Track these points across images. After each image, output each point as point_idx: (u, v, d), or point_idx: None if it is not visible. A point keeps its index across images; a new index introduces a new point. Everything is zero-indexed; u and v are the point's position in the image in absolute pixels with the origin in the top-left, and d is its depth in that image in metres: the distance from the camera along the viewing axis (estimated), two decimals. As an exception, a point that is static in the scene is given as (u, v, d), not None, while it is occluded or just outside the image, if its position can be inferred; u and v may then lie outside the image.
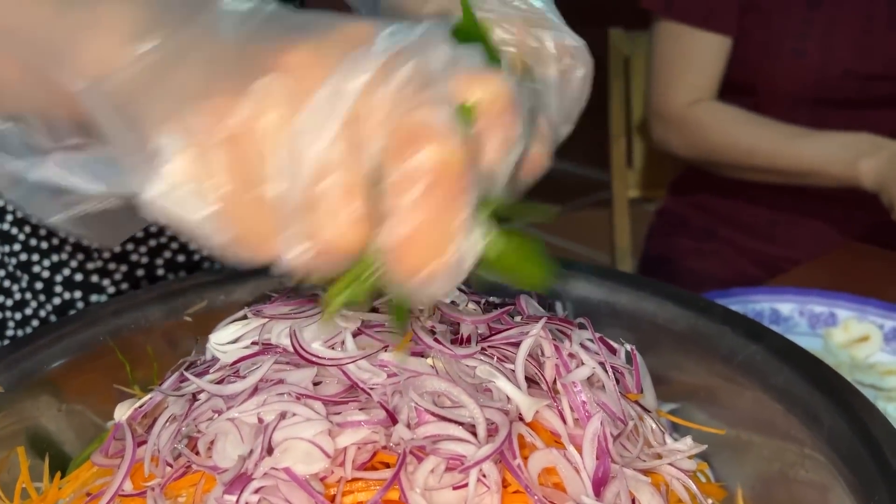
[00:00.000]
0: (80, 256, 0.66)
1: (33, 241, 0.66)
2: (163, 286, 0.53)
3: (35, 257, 0.66)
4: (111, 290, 0.66)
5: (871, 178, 0.92)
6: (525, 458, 0.30)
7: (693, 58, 1.04)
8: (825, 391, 0.40)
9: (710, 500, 0.38)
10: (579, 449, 0.31)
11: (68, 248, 0.65)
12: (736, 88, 1.05)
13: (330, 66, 0.24)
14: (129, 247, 0.66)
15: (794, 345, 0.44)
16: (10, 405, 0.44)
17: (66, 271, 0.66)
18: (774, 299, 0.71)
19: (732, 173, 1.05)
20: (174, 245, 0.67)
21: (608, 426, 0.32)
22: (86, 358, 0.47)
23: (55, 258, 0.66)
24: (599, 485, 0.30)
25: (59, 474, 0.42)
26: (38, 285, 0.66)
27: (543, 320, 0.36)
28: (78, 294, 0.66)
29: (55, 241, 0.65)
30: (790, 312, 0.70)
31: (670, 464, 0.35)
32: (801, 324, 0.70)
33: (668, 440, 0.35)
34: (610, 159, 1.39)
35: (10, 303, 0.67)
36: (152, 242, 0.66)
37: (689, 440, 0.36)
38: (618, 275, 0.53)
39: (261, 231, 0.25)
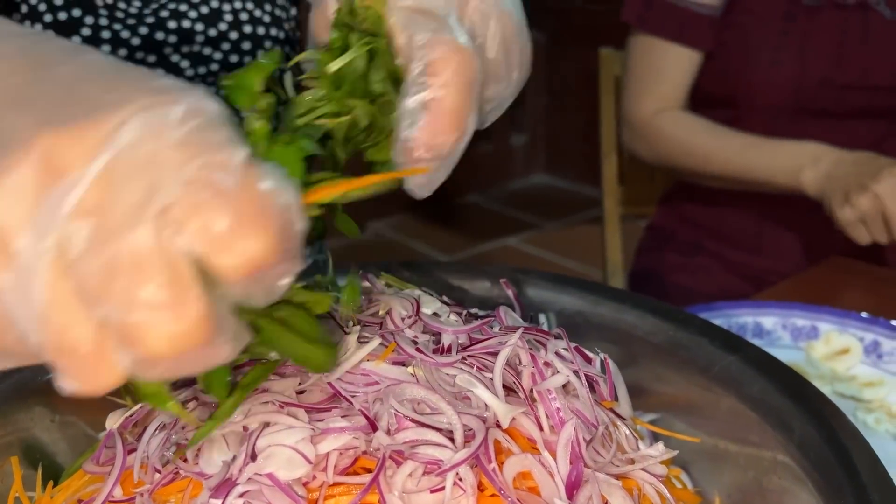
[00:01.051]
0: None
1: None
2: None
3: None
4: None
5: (812, 188, 0.94)
6: (501, 463, 0.31)
7: (662, 69, 1.07)
8: (797, 400, 0.42)
9: (683, 506, 0.39)
10: (554, 454, 0.32)
11: None
12: (716, 101, 1.08)
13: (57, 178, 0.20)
14: None
15: (769, 356, 0.45)
16: (4, 416, 0.45)
17: None
18: (758, 313, 0.72)
19: (697, 180, 1.09)
20: None
21: (581, 432, 0.33)
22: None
23: None
24: (572, 488, 0.31)
25: (51, 483, 0.43)
26: None
27: (521, 330, 0.37)
28: None
29: None
30: (773, 326, 0.71)
31: (643, 469, 0.36)
32: (784, 337, 0.71)
33: (642, 446, 0.36)
34: (601, 176, 1.41)
35: None
36: None
37: (660, 446, 0.37)
38: (600, 288, 0.54)
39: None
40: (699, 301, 1.09)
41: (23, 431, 0.46)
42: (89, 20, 0.68)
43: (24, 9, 0.64)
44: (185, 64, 0.67)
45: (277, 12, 0.71)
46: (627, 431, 0.36)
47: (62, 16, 0.67)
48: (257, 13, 0.69)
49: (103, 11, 0.66)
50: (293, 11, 0.75)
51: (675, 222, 1.18)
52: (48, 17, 0.64)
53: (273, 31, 0.70)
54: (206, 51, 0.68)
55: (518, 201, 2.95)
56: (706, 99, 1.10)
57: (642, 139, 1.09)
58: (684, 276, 1.11)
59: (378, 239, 2.69)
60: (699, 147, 1.03)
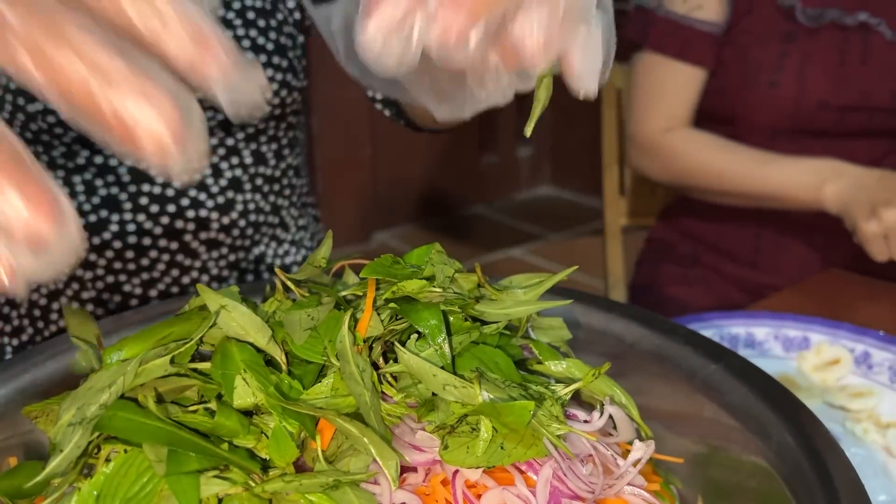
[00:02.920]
0: (76, 286, 0.69)
1: None
2: (152, 307, 0.56)
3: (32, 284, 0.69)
4: None
5: (834, 203, 0.94)
6: (478, 496, 0.32)
7: (668, 87, 1.08)
8: (776, 408, 0.43)
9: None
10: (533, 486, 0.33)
11: (63, 276, 0.69)
12: (715, 119, 1.09)
13: None
14: (122, 278, 0.69)
15: (751, 365, 0.46)
16: (5, 419, 0.46)
17: (63, 299, 0.69)
18: (750, 324, 0.73)
19: (706, 197, 1.09)
20: (167, 278, 0.70)
21: (561, 467, 0.33)
22: (80, 375, 0.49)
23: (52, 286, 0.69)
24: None
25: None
26: (36, 312, 0.69)
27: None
28: None
29: None
30: (765, 336, 0.72)
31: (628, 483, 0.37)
32: (776, 348, 0.72)
33: (620, 461, 0.37)
34: (603, 187, 1.42)
35: (8, 328, 0.70)
36: (145, 276, 0.69)
37: (639, 445, 0.38)
38: (588, 297, 0.55)
39: None
40: (698, 312, 1.10)
41: (24, 434, 0.48)
42: (115, 217, 0.70)
43: None
44: (201, 249, 0.70)
45: (283, 40, 0.72)
46: (607, 451, 0.37)
47: (92, 218, 0.69)
48: (260, 41, 0.70)
49: (127, 205, 0.68)
50: (300, 39, 0.76)
51: (675, 235, 1.19)
52: (81, 221, 0.64)
53: (276, 60, 0.71)
54: (220, 237, 0.71)
55: (523, 213, 2.97)
56: (705, 117, 1.11)
57: (653, 158, 1.09)
58: (682, 287, 1.12)
59: (382, 249, 2.70)
60: (713, 163, 1.04)
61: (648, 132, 1.09)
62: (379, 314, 0.37)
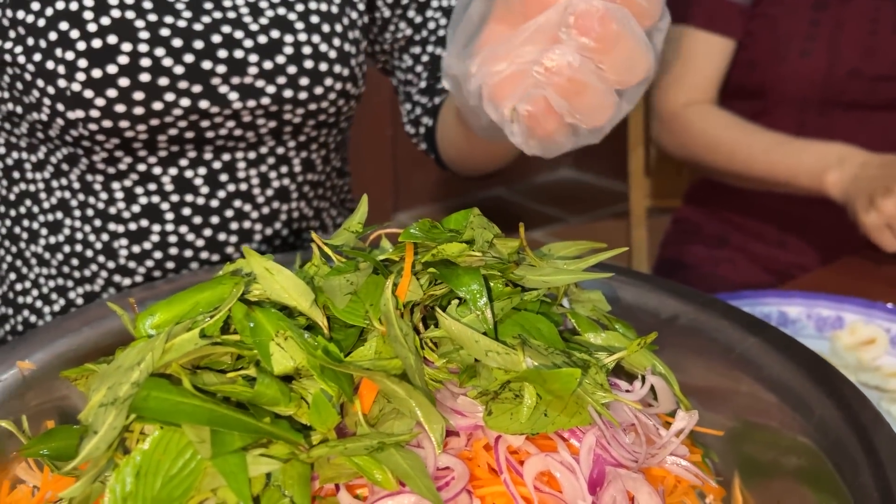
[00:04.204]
0: (112, 290, 0.68)
1: (66, 269, 0.69)
2: (184, 277, 0.56)
3: (70, 283, 0.69)
4: None
5: (836, 190, 0.92)
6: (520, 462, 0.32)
7: (693, 59, 1.06)
8: (817, 381, 0.42)
9: (712, 484, 0.39)
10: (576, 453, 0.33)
11: (100, 280, 0.68)
12: (744, 92, 1.07)
13: None
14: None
15: (789, 338, 0.46)
16: (41, 384, 0.47)
17: (99, 283, 0.69)
18: (782, 302, 0.72)
19: (720, 177, 1.07)
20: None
21: (605, 436, 0.33)
22: (115, 341, 0.49)
23: (88, 288, 0.69)
24: (595, 486, 0.32)
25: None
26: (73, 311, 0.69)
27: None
28: None
29: (87, 273, 0.68)
30: (798, 315, 0.71)
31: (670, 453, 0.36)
32: (809, 327, 0.71)
33: (662, 431, 0.37)
34: (628, 169, 1.41)
35: (41, 324, 0.70)
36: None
37: (681, 414, 0.37)
38: (621, 270, 0.54)
39: None
40: (723, 290, 1.09)
41: (59, 399, 0.48)
42: (157, 228, 0.66)
43: (54, 36, 0.60)
44: (233, 96, 0.62)
45: (347, 47, 0.66)
46: (648, 420, 0.36)
47: (132, 227, 0.66)
48: (323, 47, 0.65)
49: (143, 35, 0.60)
50: (364, 44, 0.70)
51: (701, 215, 1.18)
52: (81, 45, 0.60)
53: (337, 69, 0.66)
54: (259, 83, 0.63)
55: (544, 195, 2.95)
56: (735, 90, 1.09)
57: (671, 132, 1.09)
58: (709, 268, 1.11)
59: (403, 231, 2.70)
60: (725, 142, 1.02)
61: (669, 105, 1.08)
62: (418, 278, 0.36)
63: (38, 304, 0.70)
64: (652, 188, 1.40)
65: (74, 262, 0.68)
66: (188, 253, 0.67)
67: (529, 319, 0.36)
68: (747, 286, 1.07)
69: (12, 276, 0.71)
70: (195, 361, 0.33)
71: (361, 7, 0.69)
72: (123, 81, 0.60)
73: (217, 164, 0.66)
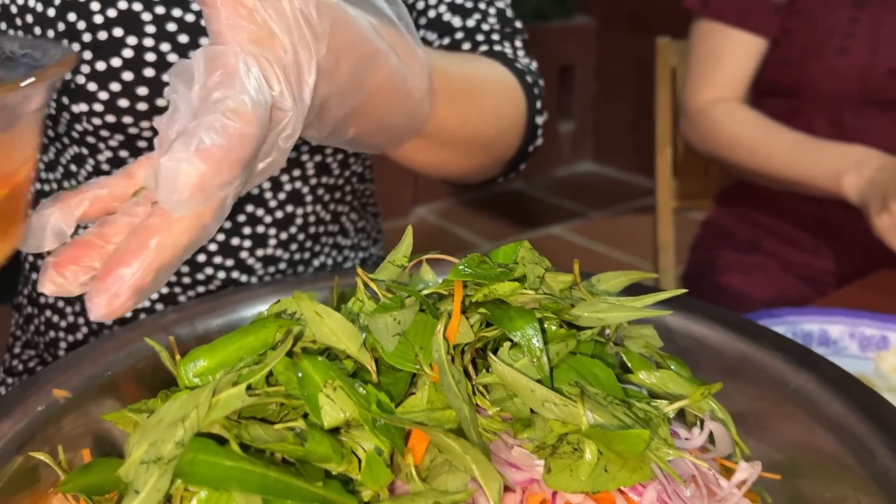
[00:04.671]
0: None
1: None
2: (224, 295, 0.54)
3: None
4: None
5: (853, 193, 0.90)
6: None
7: (723, 56, 1.04)
8: (879, 424, 0.40)
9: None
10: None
11: None
12: (779, 91, 1.05)
13: None
14: (177, 290, 0.67)
15: (847, 375, 0.44)
16: (77, 409, 0.46)
17: None
18: (824, 321, 0.70)
19: (742, 176, 1.05)
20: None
21: (666, 490, 0.32)
22: (148, 363, 0.49)
23: None
24: None
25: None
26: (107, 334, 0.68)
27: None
28: None
29: None
30: (840, 335, 0.69)
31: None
32: (851, 346, 0.69)
33: (722, 482, 0.35)
34: (655, 168, 1.39)
35: (63, 324, 0.70)
36: (201, 289, 0.67)
37: (744, 466, 0.36)
38: (668, 295, 0.53)
39: None
40: (757, 299, 1.07)
41: (94, 423, 0.47)
42: (132, 40, 0.63)
43: (62, 27, 0.59)
44: (258, 266, 0.65)
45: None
46: (708, 469, 0.35)
47: (102, 35, 0.63)
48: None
49: (150, 28, 0.59)
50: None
51: (733, 220, 1.15)
52: (87, 37, 0.58)
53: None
54: (278, 252, 0.65)
55: (564, 189, 2.93)
56: (769, 89, 1.06)
57: (695, 128, 1.07)
58: (740, 274, 1.09)
59: (421, 225, 2.69)
60: (746, 140, 1.00)
61: (696, 102, 1.06)
62: (467, 317, 0.35)
63: (60, 303, 0.70)
64: (679, 188, 1.38)
65: None
66: (201, 258, 0.66)
67: (585, 364, 0.34)
68: (779, 294, 1.05)
69: (34, 275, 0.70)
70: (241, 412, 0.31)
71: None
72: (127, 75, 0.58)
73: None
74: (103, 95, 0.58)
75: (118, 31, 0.58)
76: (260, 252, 0.68)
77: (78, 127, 0.60)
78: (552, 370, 0.33)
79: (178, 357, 0.38)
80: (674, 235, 1.37)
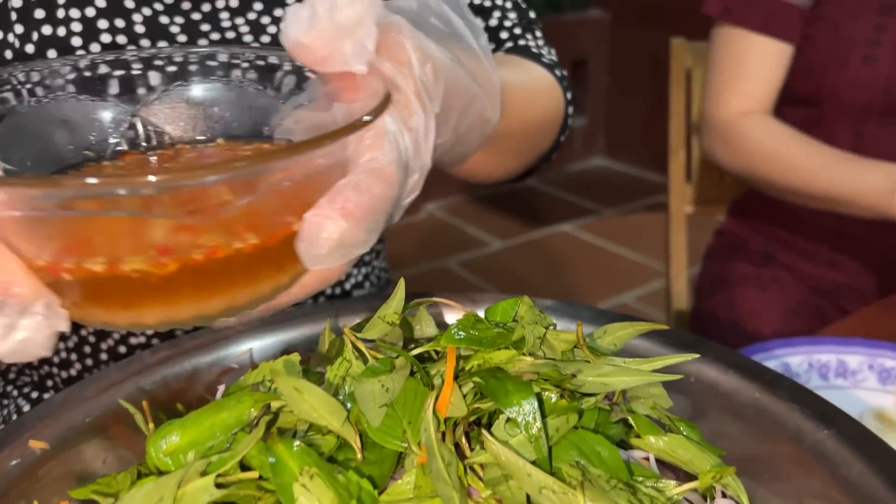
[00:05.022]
0: (124, 330, 0.65)
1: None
2: (208, 334, 0.52)
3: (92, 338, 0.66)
4: None
5: None
6: None
7: (749, 64, 0.99)
8: (902, 491, 0.38)
9: None
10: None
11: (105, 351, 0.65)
12: (800, 100, 1.01)
13: None
14: (179, 332, 0.65)
15: (869, 433, 0.41)
16: (54, 457, 0.44)
17: (110, 341, 0.66)
18: (841, 350, 0.67)
19: (774, 193, 1.01)
20: None
21: None
22: (132, 406, 0.47)
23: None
24: None
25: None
26: (86, 349, 0.66)
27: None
28: None
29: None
30: (858, 366, 0.66)
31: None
32: (871, 378, 0.66)
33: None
34: (668, 169, 1.35)
35: (56, 359, 0.67)
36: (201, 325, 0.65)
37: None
38: (678, 335, 0.50)
39: None
40: (771, 315, 1.04)
41: (77, 466, 0.45)
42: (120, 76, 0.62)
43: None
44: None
45: None
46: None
47: (87, 74, 0.61)
48: None
49: (137, 67, 0.57)
50: None
51: (747, 230, 1.12)
52: (70, 75, 0.55)
53: None
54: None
55: (575, 185, 2.89)
56: (789, 97, 1.03)
57: (725, 143, 1.02)
58: (754, 289, 1.06)
59: (432, 221, 2.66)
60: (784, 156, 0.96)
61: (723, 115, 1.01)
62: (460, 386, 0.32)
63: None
64: (693, 194, 1.35)
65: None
66: None
67: (588, 441, 0.32)
68: (794, 310, 1.02)
69: None
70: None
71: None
72: None
73: None
74: None
75: (104, 69, 0.56)
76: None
77: None
78: (552, 448, 0.31)
79: (151, 425, 0.36)
80: (686, 236, 1.34)
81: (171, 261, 0.27)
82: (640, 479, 0.32)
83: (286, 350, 0.54)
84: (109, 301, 0.28)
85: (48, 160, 0.35)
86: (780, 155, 0.96)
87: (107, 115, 0.37)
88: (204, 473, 0.28)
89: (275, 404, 0.32)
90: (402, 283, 0.38)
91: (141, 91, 0.37)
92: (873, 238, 1.02)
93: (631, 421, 0.36)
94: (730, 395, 0.47)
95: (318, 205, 0.30)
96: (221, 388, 0.39)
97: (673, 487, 0.32)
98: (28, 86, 0.35)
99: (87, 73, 0.37)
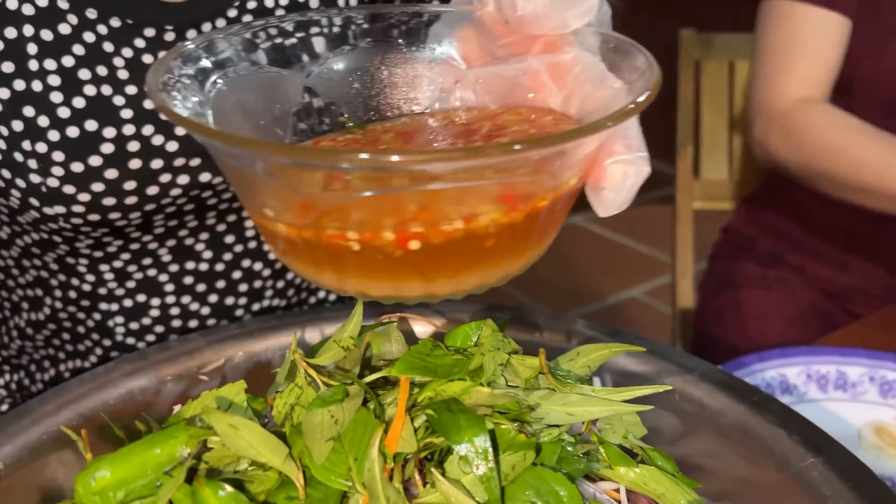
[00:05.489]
0: (100, 353, 0.63)
1: (56, 341, 0.63)
2: (180, 342, 0.51)
3: (61, 355, 0.64)
4: None
5: None
6: None
7: (806, 42, 0.89)
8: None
9: None
10: None
11: (94, 357, 0.63)
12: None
13: None
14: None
15: (859, 464, 0.39)
16: (15, 473, 0.43)
17: (88, 342, 0.64)
18: (842, 361, 0.64)
19: (838, 192, 0.90)
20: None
21: None
22: (92, 424, 0.45)
23: (79, 363, 0.63)
24: None
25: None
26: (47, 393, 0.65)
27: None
28: None
29: (81, 348, 0.63)
30: (859, 378, 0.64)
31: None
32: (871, 391, 0.63)
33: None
34: (675, 169, 1.32)
35: (47, 376, 0.66)
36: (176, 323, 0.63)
37: None
38: (666, 352, 0.48)
39: None
40: (777, 318, 1.01)
41: (42, 481, 0.44)
42: (156, 301, 0.59)
43: (18, 125, 0.50)
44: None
45: None
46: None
47: (127, 303, 0.59)
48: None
49: (126, 113, 0.51)
50: None
51: (755, 229, 1.09)
52: (54, 135, 0.50)
53: None
54: (275, 302, 0.60)
55: (586, 176, 2.85)
56: None
57: (783, 134, 0.90)
58: (760, 291, 1.03)
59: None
60: (854, 148, 0.86)
61: (782, 100, 0.90)
62: (413, 420, 0.31)
63: (32, 367, 0.66)
64: (700, 190, 1.32)
65: (66, 336, 0.62)
66: (193, 323, 0.61)
67: (546, 479, 0.30)
68: (801, 313, 0.99)
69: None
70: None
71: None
72: (111, 173, 0.51)
73: (221, 227, 0.59)
74: (84, 197, 0.51)
75: (91, 125, 0.50)
76: (256, 306, 0.63)
77: (51, 224, 0.53)
78: (506, 487, 0.29)
79: (88, 455, 0.34)
80: (692, 232, 1.31)
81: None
82: (602, 519, 0.30)
83: (257, 361, 0.53)
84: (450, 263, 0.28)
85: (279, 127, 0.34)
86: (849, 148, 0.86)
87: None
88: (124, 520, 0.27)
89: (213, 439, 0.30)
90: (360, 306, 0.36)
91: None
92: (885, 238, 0.98)
93: (601, 450, 0.34)
94: (716, 416, 0.45)
95: (613, 151, 0.30)
96: (177, 408, 0.37)
97: (636, 530, 0.30)
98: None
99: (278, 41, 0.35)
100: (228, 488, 0.27)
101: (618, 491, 0.35)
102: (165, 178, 0.53)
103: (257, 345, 0.52)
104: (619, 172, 0.30)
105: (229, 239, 0.60)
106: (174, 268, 0.59)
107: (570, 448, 0.33)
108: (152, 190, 0.53)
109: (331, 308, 0.53)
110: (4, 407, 0.65)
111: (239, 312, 0.62)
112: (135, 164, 0.51)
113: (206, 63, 0.32)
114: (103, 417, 0.46)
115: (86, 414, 0.46)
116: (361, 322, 0.36)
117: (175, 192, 0.54)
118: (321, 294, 0.69)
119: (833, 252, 1.02)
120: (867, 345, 0.67)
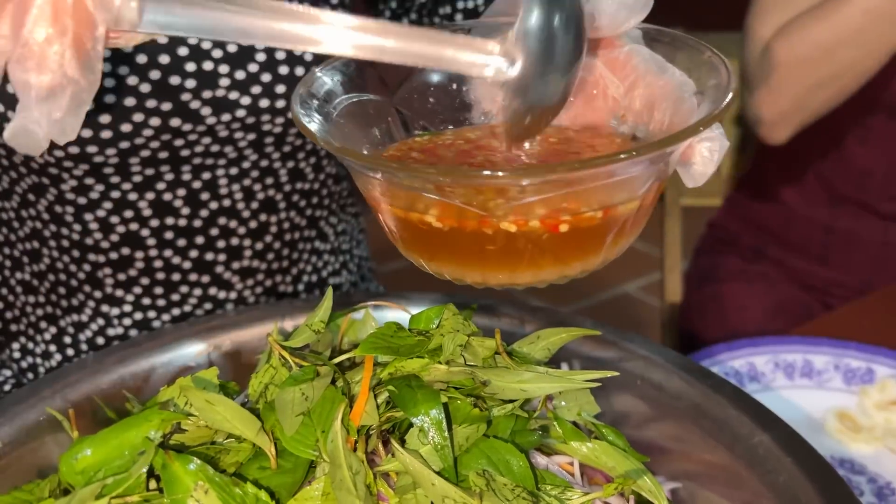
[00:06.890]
0: (101, 322, 0.66)
1: (53, 297, 0.67)
2: (170, 330, 0.53)
3: (58, 311, 0.67)
4: None
5: None
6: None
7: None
8: (825, 495, 0.38)
9: None
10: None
11: (88, 310, 0.66)
12: None
13: None
14: (151, 314, 0.66)
15: (801, 440, 0.42)
16: (13, 452, 0.45)
17: (88, 332, 0.67)
18: (808, 350, 0.67)
19: (851, 82, 0.84)
20: (200, 311, 0.67)
21: None
22: (90, 405, 0.48)
23: (76, 317, 0.67)
24: None
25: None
26: (66, 339, 0.67)
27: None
28: None
29: (75, 302, 0.66)
30: (824, 365, 0.66)
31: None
32: (836, 378, 0.66)
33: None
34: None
35: (38, 350, 0.69)
36: (176, 311, 0.66)
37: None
38: (629, 338, 0.51)
39: None
40: (758, 311, 1.04)
41: (39, 459, 0.47)
42: (140, 255, 0.63)
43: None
44: (206, 111, 0.58)
45: None
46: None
47: (113, 256, 0.63)
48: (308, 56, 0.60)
49: (151, 241, 0.62)
50: None
51: (738, 223, 1.11)
52: (101, 259, 0.59)
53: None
54: (232, 95, 0.59)
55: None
56: None
57: (783, 39, 0.84)
58: (742, 284, 1.05)
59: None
60: (832, 20, 0.80)
61: (766, 29, 0.86)
62: (376, 397, 0.33)
63: (31, 331, 0.69)
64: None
65: (61, 290, 0.66)
66: (176, 276, 0.65)
67: (498, 449, 0.32)
68: (781, 307, 1.01)
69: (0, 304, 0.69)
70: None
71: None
72: None
73: (197, 184, 0.62)
74: None
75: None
76: (236, 265, 0.66)
77: (38, 159, 0.58)
78: (460, 456, 0.32)
79: (75, 433, 0.37)
80: (681, 228, 1.34)
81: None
82: (549, 486, 0.33)
83: (243, 349, 0.55)
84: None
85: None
86: (829, 23, 0.81)
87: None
88: (99, 496, 0.29)
89: (187, 422, 0.33)
90: (329, 292, 0.38)
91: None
92: (863, 232, 1.01)
93: (556, 426, 0.37)
94: (673, 400, 0.47)
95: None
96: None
97: (579, 496, 0.32)
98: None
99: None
100: (197, 461, 0.30)
101: (572, 464, 0.38)
102: (138, 117, 0.57)
103: (243, 333, 0.54)
104: (706, 149, 0.33)
105: (205, 196, 0.63)
106: (155, 223, 0.63)
107: (525, 423, 0.35)
108: (126, 127, 0.56)
109: (313, 299, 0.56)
110: (9, 383, 0.68)
111: (219, 269, 0.65)
112: (109, 98, 0.55)
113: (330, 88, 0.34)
114: (96, 401, 0.49)
115: (80, 398, 0.48)
116: (331, 308, 0.38)
117: (147, 132, 0.57)
118: (301, 265, 0.71)
119: (813, 246, 1.04)
120: (836, 335, 0.70)
